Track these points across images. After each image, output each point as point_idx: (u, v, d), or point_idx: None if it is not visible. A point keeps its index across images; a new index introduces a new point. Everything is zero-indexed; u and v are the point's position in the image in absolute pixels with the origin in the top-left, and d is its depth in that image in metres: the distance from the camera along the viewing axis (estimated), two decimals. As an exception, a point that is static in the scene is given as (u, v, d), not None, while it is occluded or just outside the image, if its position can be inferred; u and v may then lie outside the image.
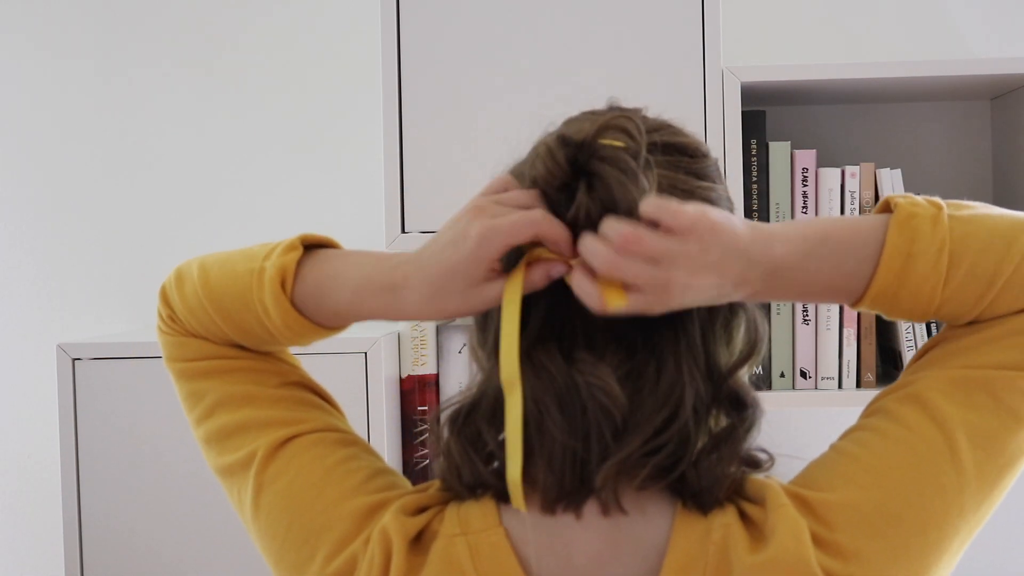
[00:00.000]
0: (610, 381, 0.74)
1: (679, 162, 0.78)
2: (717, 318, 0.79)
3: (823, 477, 0.77)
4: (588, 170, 0.72)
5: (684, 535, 0.75)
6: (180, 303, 0.88)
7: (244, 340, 0.87)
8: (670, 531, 0.76)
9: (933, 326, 1.53)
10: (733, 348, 0.80)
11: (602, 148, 0.72)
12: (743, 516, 0.76)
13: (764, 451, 0.79)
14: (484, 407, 0.79)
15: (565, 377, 0.74)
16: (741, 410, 0.78)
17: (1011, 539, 1.75)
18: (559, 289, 0.76)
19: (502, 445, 0.77)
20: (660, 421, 0.74)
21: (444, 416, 0.81)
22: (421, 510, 0.80)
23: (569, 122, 0.82)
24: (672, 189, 0.76)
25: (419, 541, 0.78)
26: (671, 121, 0.82)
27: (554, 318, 0.77)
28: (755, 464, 0.79)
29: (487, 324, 0.80)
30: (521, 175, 0.79)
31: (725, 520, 0.75)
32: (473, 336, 0.82)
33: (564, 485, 0.75)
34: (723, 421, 0.78)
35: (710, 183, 0.79)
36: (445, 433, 0.80)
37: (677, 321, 0.76)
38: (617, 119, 0.74)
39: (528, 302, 0.76)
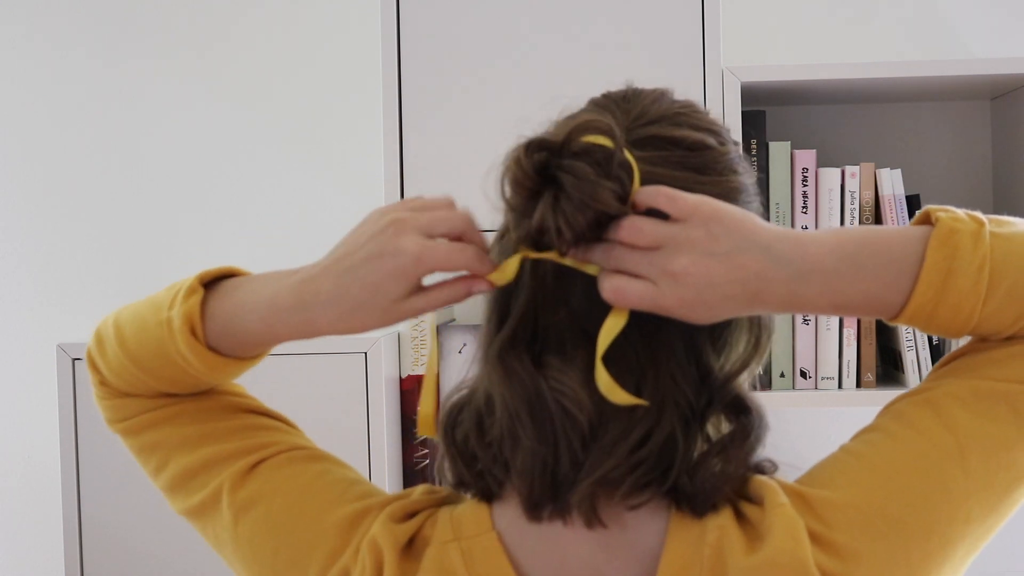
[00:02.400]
0: (575, 386, 0.73)
1: (671, 156, 0.75)
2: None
3: (827, 475, 0.76)
4: (554, 179, 0.70)
5: (678, 538, 0.74)
6: (105, 367, 0.87)
7: (175, 389, 0.86)
8: (664, 535, 0.75)
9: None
10: (731, 353, 0.78)
11: (569, 154, 0.70)
12: (740, 516, 0.75)
13: (770, 461, 0.78)
14: (471, 410, 0.78)
15: (534, 382, 0.73)
16: (743, 415, 0.76)
17: (1012, 540, 1.76)
18: (537, 293, 0.75)
19: (486, 448, 0.77)
20: (637, 437, 0.73)
21: (441, 417, 0.80)
22: (410, 516, 0.79)
23: (573, 115, 0.80)
24: (659, 184, 0.73)
25: (411, 548, 0.78)
26: (685, 108, 0.79)
27: (529, 322, 0.75)
28: (761, 472, 0.78)
29: (488, 321, 0.79)
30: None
31: (720, 522, 0.74)
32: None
33: (534, 493, 0.74)
34: (724, 427, 0.77)
35: (716, 176, 0.76)
36: (439, 434, 0.80)
37: (657, 331, 0.74)
38: (593, 121, 0.71)
39: (507, 304, 0.76)
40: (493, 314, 0.77)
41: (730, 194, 0.77)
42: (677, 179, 0.74)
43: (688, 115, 0.79)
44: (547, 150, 0.70)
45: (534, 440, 0.73)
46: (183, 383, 0.84)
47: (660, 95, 0.80)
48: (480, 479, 0.78)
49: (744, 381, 0.78)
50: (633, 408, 0.73)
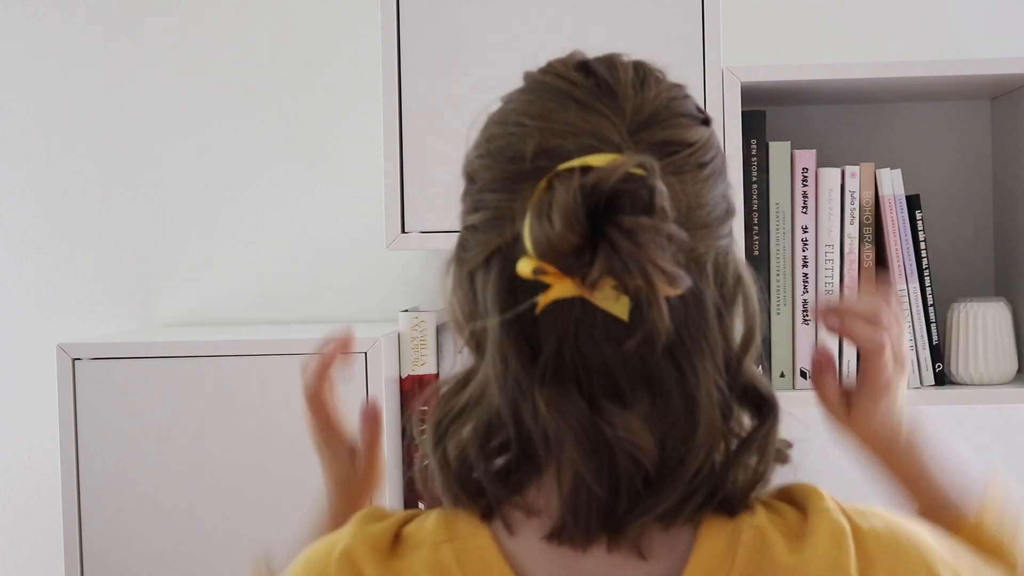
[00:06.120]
0: (640, 432, 0.69)
1: (683, 163, 0.72)
2: (732, 310, 0.75)
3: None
4: (607, 235, 0.66)
5: (710, 537, 0.72)
6: None
7: None
8: (695, 534, 0.73)
9: (934, 326, 1.53)
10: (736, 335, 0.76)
11: (622, 209, 0.66)
12: (776, 516, 0.74)
13: (784, 441, 0.76)
14: (476, 421, 0.73)
15: (589, 424, 0.69)
16: (764, 408, 0.74)
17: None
18: (569, 327, 0.70)
19: (486, 461, 0.72)
20: (694, 469, 0.70)
21: (432, 418, 0.76)
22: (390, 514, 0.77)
23: (543, 104, 0.74)
24: (678, 203, 0.70)
25: (397, 544, 0.75)
26: (673, 91, 0.75)
27: (567, 356, 0.70)
28: (783, 459, 0.76)
29: (475, 299, 0.74)
30: (481, 162, 0.74)
31: (755, 521, 0.72)
32: (457, 312, 0.76)
33: (588, 530, 0.71)
34: (745, 421, 0.75)
35: (711, 165, 0.74)
36: (428, 441, 0.75)
37: (699, 338, 0.71)
38: (632, 165, 0.67)
39: (534, 337, 0.71)
40: (519, 339, 0.71)
41: (723, 175, 0.75)
42: (691, 195, 0.71)
43: (678, 99, 0.75)
44: (595, 201, 0.66)
45: (593, 480, 0.69)
46: None
47: (637, 72, 0.75)
48: (479, 497, 0.74)
49: (753, 365, 0.76)
50: (694, 442, 0.70)
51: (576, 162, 0.68)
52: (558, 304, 0.69)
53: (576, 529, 0.71)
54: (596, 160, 0.68)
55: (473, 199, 0.75)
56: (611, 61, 0.75)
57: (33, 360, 1.84)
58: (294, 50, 1.82)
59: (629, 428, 0.69)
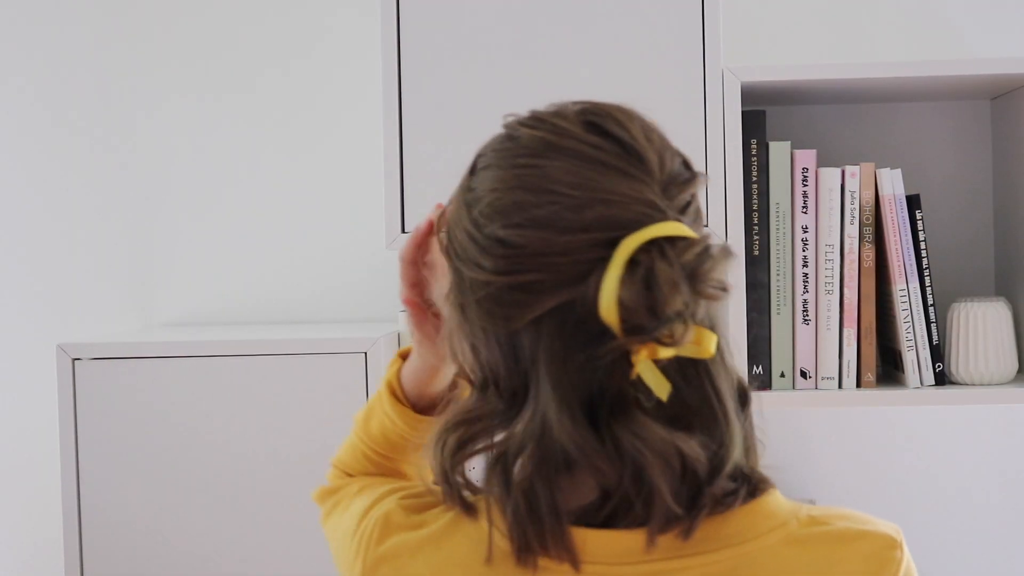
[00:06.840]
0: (696, 446, 0.75)
1: (693, 214, 0.80)
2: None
3: None
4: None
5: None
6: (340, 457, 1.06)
7: (392, 453, 1.02)
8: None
9: (934, 326, 1.53)
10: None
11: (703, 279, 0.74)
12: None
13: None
14: (537, 455, 0.76)
15: (666, 445, 0.74)
16: (745, 395, 0.81)
17: (1013, 541, 1.75)
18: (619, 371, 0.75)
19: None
20: (731, 465, 0.77)
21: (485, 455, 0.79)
22: (429, 507, 0.83)
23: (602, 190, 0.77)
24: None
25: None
26: (670, 144, 0.82)
27: (629, 393, 0.76)
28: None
29: (518, 353, 0.77)
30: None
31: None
32: (496, 363, 0.79)
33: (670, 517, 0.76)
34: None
35: (699, 206, 0.82)
36: (492, 484, 0.78)
37: (720, 363, 0.78)
38: (706, 242, 0.75)
39: (593, 379, 0.76)
40: (578, 383, 0.76)
41: (701, 211, 0.83)
42: (695, 230, 0.78)
43: (672, 148, 0.81)
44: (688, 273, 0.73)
45: (667, 488, 0.76)
46: (395, 445, 1.01)
47: (641, 126, 0.80)
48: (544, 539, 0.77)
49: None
50: (727, 450, 0.77)
51: (650, 233, 0.73)
52: (623, 355, 0.74)
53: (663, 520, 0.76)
54: (665, 230, 0.73)
55: (511, 262, 0.76)
56: (615, 117, 0.79)
57: (33, 360, 1.84)
58: (294, 50, 1.82)
59: (691, 443, 0.75)
